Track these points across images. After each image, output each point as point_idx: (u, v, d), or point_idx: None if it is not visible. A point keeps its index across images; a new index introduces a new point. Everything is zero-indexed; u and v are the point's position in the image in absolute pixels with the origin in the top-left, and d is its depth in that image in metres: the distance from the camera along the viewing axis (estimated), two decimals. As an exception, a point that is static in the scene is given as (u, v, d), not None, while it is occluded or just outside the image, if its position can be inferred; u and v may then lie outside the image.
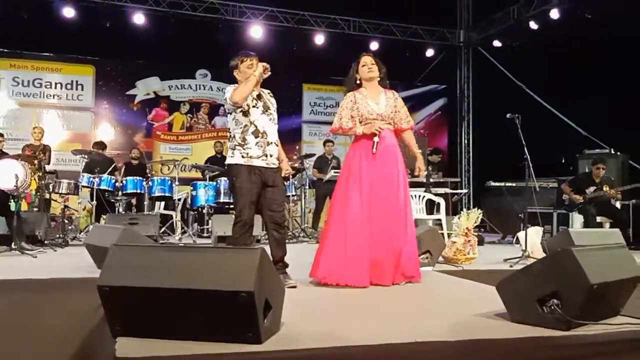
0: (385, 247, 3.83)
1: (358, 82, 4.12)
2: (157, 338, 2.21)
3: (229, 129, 3.92)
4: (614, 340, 2.41)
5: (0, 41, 9.91)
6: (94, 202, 7.42)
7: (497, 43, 11.31)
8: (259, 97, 3.87)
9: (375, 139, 3.91)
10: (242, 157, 3.77)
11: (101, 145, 8.79)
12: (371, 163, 3.93)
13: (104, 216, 7.57)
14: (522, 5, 10.48)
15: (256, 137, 3.78)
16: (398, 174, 3.96)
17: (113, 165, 8.01)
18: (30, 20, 9.45)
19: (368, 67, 4.07)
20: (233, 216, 7.17)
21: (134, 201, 8.20)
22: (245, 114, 3.80)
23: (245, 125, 3.80)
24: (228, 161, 3.87)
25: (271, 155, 3.82)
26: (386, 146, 3.96)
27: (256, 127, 3.79)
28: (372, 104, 4.02)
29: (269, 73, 3.80)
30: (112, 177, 7.55)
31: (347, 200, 3.91)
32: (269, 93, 4.01)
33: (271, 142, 3.83)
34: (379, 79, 4.10)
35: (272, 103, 3.97)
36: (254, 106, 3.81)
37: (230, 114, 3.87)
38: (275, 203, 3.84)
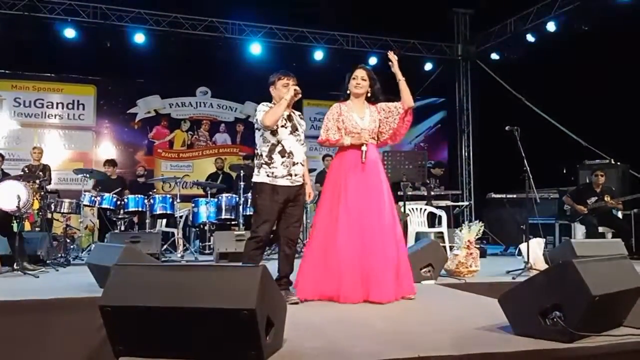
0: (377, 261, 3.76)
1: (348, 92, 4.10)
2: (160, 358, 2.20)
3: (256, 145, 3.97)
4: (617, 351, 2.40)
5: (2, 62, 10.00)
6: (96, 221, 7.42)
7: (495, 56, 11.39)
8: (289, 118, 3.91)
9: (364, 148, 3.89)
10: (267, 176, 3.81)
11: (112, 163, 8.78)
12: (356, 175, 3.89)
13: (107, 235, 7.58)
14: (519, 18, 10.56)
15: (282, 156, 3.82)
16: (382, 187, 3.94)
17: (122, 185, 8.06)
18: (31, 42, 9.53)
19: (357, 81, 4.04)
20: (235, 232, 7.21)
21: (135, 219, 8.20)
22: (274, 132, 3.84)
23: (273, 144, 3.84)
24: (254, 179, 3.91)
25: (296, 175, 3.86)
26: (370, 160, 3.94)
27: (283, 146, 3.84)
28: (357, 117, 4.02)
29: (300, 96, 3.86)
30: (115, 195, 7.54)
31: (333, 214, 3.88)
32: (299, 115, 4.06)
33: (297, 163, 3.87)
34: (369, 95, 4.08)
35: (302, 124, 4.01)
36: (282, 126, 3.85)
37: (259, 130, 3.91)
38: (293, 218, 3.88)
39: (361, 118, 4.03)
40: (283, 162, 3.81)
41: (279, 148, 3.83)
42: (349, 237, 3.79)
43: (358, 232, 3.80)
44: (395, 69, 4.00)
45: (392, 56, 4.01)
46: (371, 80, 4.07)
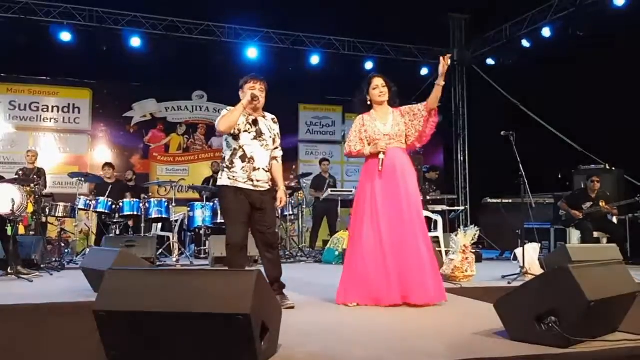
0: (411, 264, 3.77)
1: (369, 103, 4.14)
2: (154, 362, 2.19)
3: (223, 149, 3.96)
4: (613, 357, 2.40)
5: (-3, 65, 10.00)
6: (91, 225, 7.39)
7: (490, 61, 11.45)
8: (255, 122, 3.85)
9: (381, 156, 3.91)
10: (229, 178, 3.78)
11: (112, 165, 8.73)
12: (380, 182, 3.91)
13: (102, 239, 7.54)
14: (514, 24, 10.62)
15: (243, 161, 3.78)
16: (408, 192, 3.93)
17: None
18: (27, 45, 9.50)
19: (380, 90, 4.07)
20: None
21: (130, 223, 8.17)
22: (236, 137, 3.80)
23: (235, 149, 3.80)
24: (218, 183, 3.90)
25: (258, 180, 3.80)
26: (394, 165, 3.95)
27: (244, 151, 3.78)
28: (380, 124, 4.04)
29: (258, 101, 3.80)
30: (109, 199, 7.50)
31: (360, 223, 3.94)
32: (272, 119, 4.00)
33: (258, 168, 3.80)
34: (388, 100, 4.12)
35: (272, 129, 3.93)
36: (245, 131, 3.80)
37: (222, 135, 3.90)
38: (264, 225, 3.81)
39: (384, 124, 4.05)
40: (243, 167, 3.76)
41: (240, 153, 3.78)
42: (374, 242, 3.82)
43: (387, 236, 3.81)
44: (443, 73, 3.96)
45: (446, 60, 3.95)
46: (389, 85, 4.12)
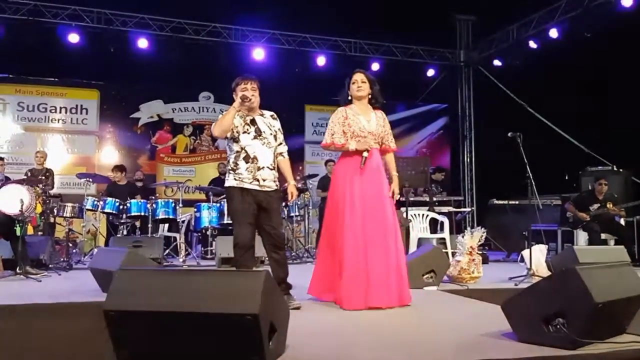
0: (381, 267, 3.78)
1: (349, 98, 4.13)
2: (163, 362, 2.21)
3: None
4: (620, 359, 2.40)
5: (6, 67, 10.04)
6: (98, 225, 7.43)
7: (497, 62, 11.42)
8: (253, 122, 3.86)
9: (365, 154, 3.89)
10: (235, 180, 3.80)
11: (121, 168, 8.62)
12: (361, 180, 3.90)
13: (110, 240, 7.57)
14: (521, 25, 10.59)
15: (247, 162, 3.79)
16: (385, 193, 3.96)
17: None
18: (35, 46, 9.57)
19: (358, 85, 4.07)
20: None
21: (137, 224, 8.20)
22: (236, 140, 3.82)
23: (238, 151, 3.83)
24: (225, 184, 3.92)
25: (264, 180, 3.81)
26: (375, 165, 3.97)
27: (247, 152, 3.80)
28: (364, 120, 4.02)
29: (251, 102, 3.79)
30: (117, 200, 7.52)
31: (340, 218, 3.89)
32: (271, 115, 3.99)
33: (263, 167, 3.81)
34: (369, 97, 4.10)
35: (271, 126, 3.93)
36: (244, 132, 3.82)
37: (225, 139, 3.91)
38: (271, 226, 3.82)
39: (368, 121, 4.04)
40: (247, 168, 3.78)
41: (243, 154, 3.80)
42: (354, 243, 3.80)
43: (362, 238, 3.81)
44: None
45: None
46: (370, 82, 4.11)
